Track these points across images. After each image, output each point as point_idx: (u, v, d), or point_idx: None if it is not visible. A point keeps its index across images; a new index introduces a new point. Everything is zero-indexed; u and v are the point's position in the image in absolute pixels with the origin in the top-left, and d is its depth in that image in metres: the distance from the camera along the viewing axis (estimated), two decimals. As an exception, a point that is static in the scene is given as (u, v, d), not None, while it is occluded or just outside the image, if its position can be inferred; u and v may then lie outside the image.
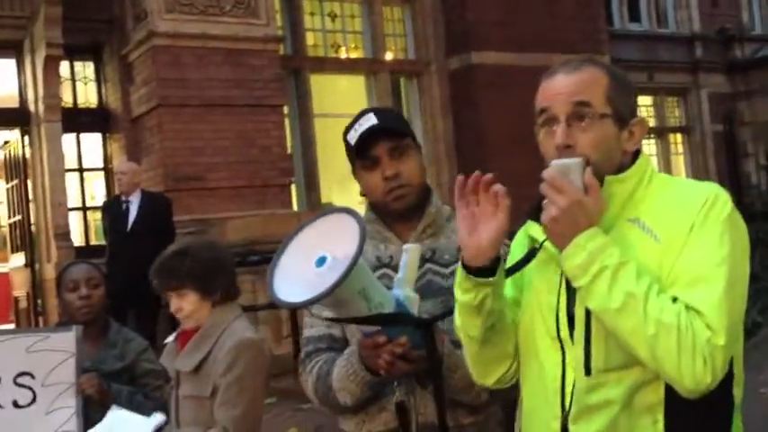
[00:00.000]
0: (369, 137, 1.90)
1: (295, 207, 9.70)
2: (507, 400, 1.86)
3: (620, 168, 1.51)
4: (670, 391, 1.39)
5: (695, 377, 1.32)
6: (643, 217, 1.46)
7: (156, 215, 6.68)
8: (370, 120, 1.92)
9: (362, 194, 2.01)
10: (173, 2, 8.64)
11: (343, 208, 1.66)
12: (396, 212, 1.95)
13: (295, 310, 5.31)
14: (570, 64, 1.54)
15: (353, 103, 10.78)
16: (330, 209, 1.70)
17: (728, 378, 1.43)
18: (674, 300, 1.36)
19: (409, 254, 1.76)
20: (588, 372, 1.44)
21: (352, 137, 1.93)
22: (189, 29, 8.66)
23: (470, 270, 1.50)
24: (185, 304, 2.54)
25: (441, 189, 11.06)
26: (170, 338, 2.69)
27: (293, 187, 9.79)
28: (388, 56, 11.19)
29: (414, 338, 1.69)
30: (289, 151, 9.68)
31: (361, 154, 1.93)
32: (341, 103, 10.69)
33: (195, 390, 2.54)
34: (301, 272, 1.58)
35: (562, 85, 1.50)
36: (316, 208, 9.78)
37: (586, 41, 10.93)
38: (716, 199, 1.43)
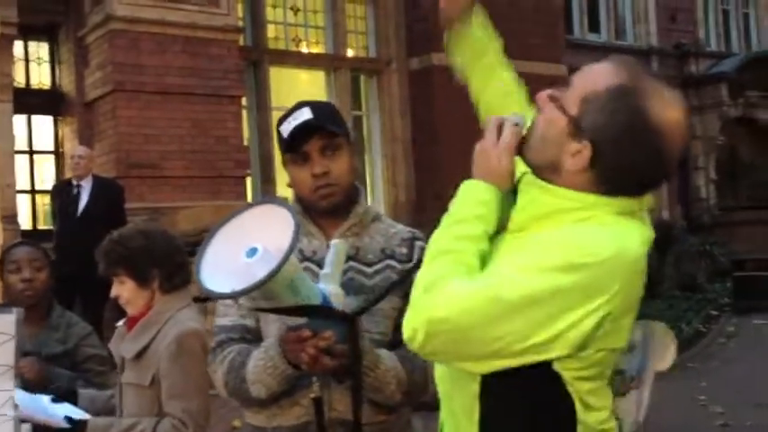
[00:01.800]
0: (301, 132, 1.88)
1: (249, 199, 9.63)
2: (419, 402, 1.90)
3: (554, 174, 1.40)
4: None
5: (406, 328, 1.36)
6: (533, 231, 1.39)
7: (107, 201, 6.57)
8: (305, 114, 1.89)
9: (289, 186, 2.00)
10: (132, -14, 8.52)
11: (275, 198, 1.64)
12: (322, 210, 1.94)
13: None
14: (617, 57, 1.44)
15: (312, 97, 10.71)
16: (262, 199, 1.68)
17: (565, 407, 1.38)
18: (449, 274, 1.36)
19: (336, 249, 1.75)
20: None
21: (285, 129, 1.90)
22: (148, 14, 8.55)
23: None
24: (123, 291, 2.54)
25: (396, 188, 11.10)
26: (120, 323, 2.66)
27: (248, 179, 9.72)
28: (349, 52, 11.18)
29: (338, 333, 1.67)
30: (245, 143, 9.61)
31: (291, 148, 1.91)
32: (300, 97, 10.52)
33: (136, 377, 2.52)
34: (231, 261, 1.55)
35: (588, 66, 1.44)
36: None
37: (545, 48, 11.07)
38: (593, 249, 1.32)
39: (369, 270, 1.93)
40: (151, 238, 2.59)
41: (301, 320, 1.69)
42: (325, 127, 1.90)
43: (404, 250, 1.97)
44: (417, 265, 1.84)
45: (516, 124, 1.45)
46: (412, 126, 11.17)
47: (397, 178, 11.12)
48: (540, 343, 1.30)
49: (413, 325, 1.33)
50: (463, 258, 1.37)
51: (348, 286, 1.85)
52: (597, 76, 1.37)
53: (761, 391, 7.28)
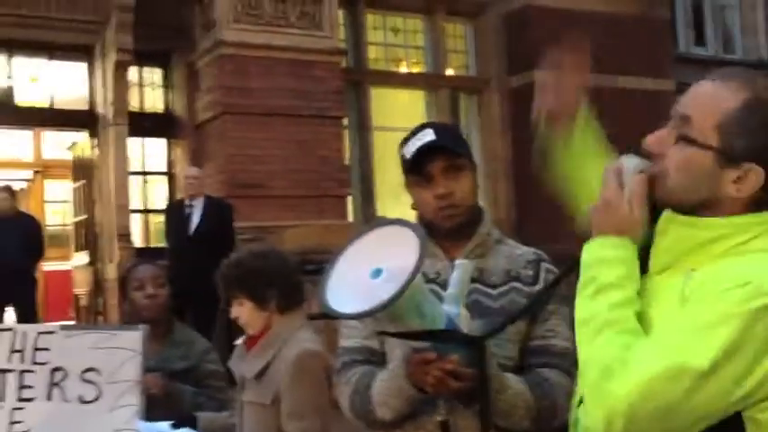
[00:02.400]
0: (424, 153, 1.89)
1: (350, 218, 9.75)
2: (548, 429, 1.85)
3: (712, 206, 1.31)
4: None
5: (593, 424, 1.24)
6: (700, 270, 1.27)
7: (218, 220, 6.79)
8: (428, 135, 1.90)
9: (414, 208, 2.01)
10: (240, 12, 8.81)
11: (400, 220, 1.63)
12: (445, 231, 1.94)
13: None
14: (718, 73, 1.36)
15: (412, 117, 10.81)
16: (387, 220, 1.67)
17: None
18: (627, 347, 1.25)
19: (461, 270, 1.74)
20: None
21: (408, 151, 1.91)
22: (255, 39, 8.81)
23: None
24: (242, 313, 2.60)
25: (497, 206, 11.01)
26: (239, 341, 2.73)
27: (349, 198, 9.85)
28: (449, 71, 11.20)
29: (464, 355, 1.66)
30: (346, 162, 9.75)
31: (415, 169, 1.92)
32: (400, 116, 10.73)
33: (257, 396, 2.58)
34: (355, 283, 1.55)
35: (690, 92, 1.35)
36: (370, 220, 9.82)
37: (651, 64, 10.81)
38: (756, 292, 1.19)
39: (493, 292, 1.92)
40: (266, 259, 2.65)
41: (426, 343, 1.68)
42: (448, 147, 1.91)
43: (529, 272, 1.95)
44: (546, 289, 1.82)
45: (641, 171, 1.36)
46: (512, 144, 11.09)
47: (498, 197, 11.04)
48: (744, 396, 1.20)
49: (605, 415, 1.22)
50: (626, 326, 1.28)
51: (472, 308, 1.84)
52: (721, 98, 1.29)
53: None
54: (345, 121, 9.79)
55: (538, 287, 1.93)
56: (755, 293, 1.18)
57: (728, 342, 1.17)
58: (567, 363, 1.86)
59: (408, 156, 1.91)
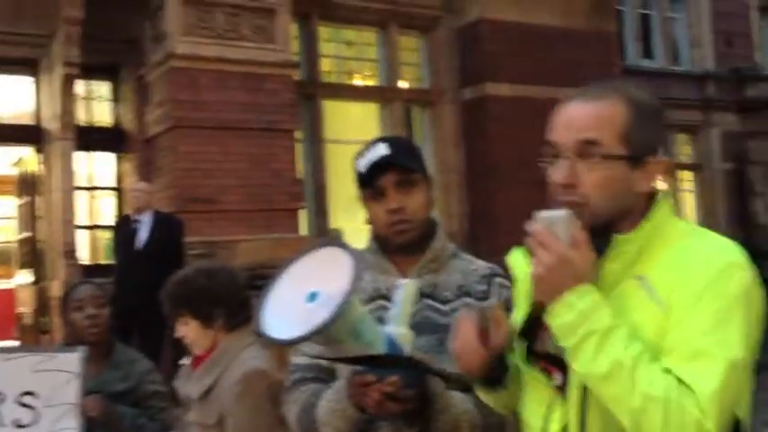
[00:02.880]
0: (377, 168, 1.88)
1: (303, 232, 9.69)
2: None
3: (629, 210, 1.39)
4: None
5: None
6: (650, 275, 1.34)
7: (166, 236, 6.67)
8: (381, 149, 1.90)
9: (368, 222, 1.99)
10: (191, 24, 8.72)
11: (337, 242, 1.63)
12: (397, 246, 1.93)
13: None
14: (588, 93, 1.42)
15: (366, 130, 10.82)
16: (323, 242, 1.66)
17: None
18: (667, 371, 1.26)
19: (404, 290, 1.73)
20: None
21: (362, 165, 1.91)
22: (207, 52, 8.72)
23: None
24: (187, 332, 2.55)
25: (450, 219, 11.05)
26: (185, 360, 2.68)
27: (302, 212, 9.79)
28: (402, 84, 11.24)
29: (405, 377, 1.64)
30: (299, 176, 9.70)
31: (367, 183, 1.91)
32: (353, 129, 10.73)
33: (201, 416, 2.53)
34: (291, 307, 1.53)
35: (572, 117, 1.39)
36: (324, 233, 9.78)
37: (599, 75, 10.94)
38: (736, 269, 1.31)
39: (444, 308, 1.90)
40: (213, 276, 2.60)
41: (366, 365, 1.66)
42: (400, 162, 1.90)
43: (482, 287, 1.94)
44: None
45: (572, 218, 1.35)
46: (465, 157, 11.15)
47: (452, 209, 11.07)
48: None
49: None
50: (648, 355, 1.27)
51: (423, 324, 1.84)
52: (614, 112, 1.38)
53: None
54: (298, 135, 9.75)
55: (490, 302, 1.92)
56: (736, 272, 1.30)
57: (744, 321, 1.28)
58: None
59: (361, 170, 1.91)
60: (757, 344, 1.33)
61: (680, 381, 1.25)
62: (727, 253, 1.34)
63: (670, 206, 1.44)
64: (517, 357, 1.49)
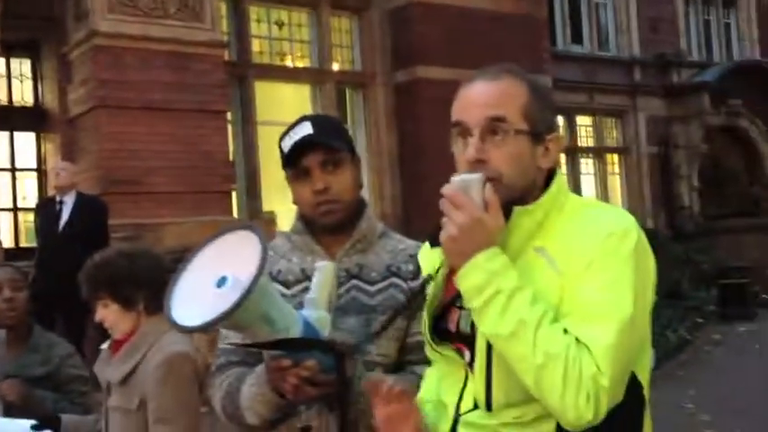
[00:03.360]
0: (301, 147, 1.84)
1: (235, 214, 9.60)
2: None
3: (533, 185, 1.46)
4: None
5: (577, 411, 1.28)
6: (548, 246, 1.40)
7: (90, 218, 6.48)
8: (306, 128, 1.85)
9: (294, 203, 1.96)
10: (115, 2, 8.49)
11: (246, 225, 1.58)
12: (324, 227, 1.90)
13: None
14: (489, 72, 1.48)
15: (298, 111, 10.68)
16: (233, 225, 1.61)
17: (638, 407, 1.42)
18: (566, 331, 1.31)
19: (322, 272, 1.71)
20: (489, 407, 1.40)
21: (286, 144, 1.87)
22: (131, 30, 8.52)
23: None
24: (107, 315, 2.50)
25: (383, 201, 11.09)
26: (105, 345, 2.62)
27: (234, 194, 9.69)
28: (335, 66, 11.19)
29: (324, 361, 1.62)
30: (231, 158, 9.59)
31: (292, 164, 1.87)
32: (285, 111, 10.63)
33: (122, 401, 2.48)
34: (201, 292, 1.50)
35: (478, 96, 1.45)
36: (256, 216, 9.70)
37: (529, 60, 11.10)
38: (622, 233, 1.37)
39: (371, 289, 1.88)
40: (134, 259, 2.55)
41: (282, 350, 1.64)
42: (325, 142, 1.86)
43: (410, 267, 1.91)
44: (408, 302, 1.77)
45: (485, 181, 1.38)
46: (398, 139, 11.18)
47: (384, 191, 11.11)
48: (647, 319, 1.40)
49: (589, 397, 1.28)
50: (551, 315, 1.33)
51: (350, 305, 1.83)
52: (514, 91, 1.45)
53: (747, 399, 7.31)
54: (230, 116, 9.62)
55: (418, 281, 1.92)
56: (624, 235, 1.37)
57: (634, 281, 1.35)
58: None
59: (286, 150, 1.86)
60: (650, 304, 1.41)
61: (578, 340, 1.30)
62: (617, 220, 1.40)
63: (564, 181, 1.50)
64: (427, 342, 1.52)
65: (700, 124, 16.36)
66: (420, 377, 1.82)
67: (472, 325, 1.42)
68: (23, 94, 9.43)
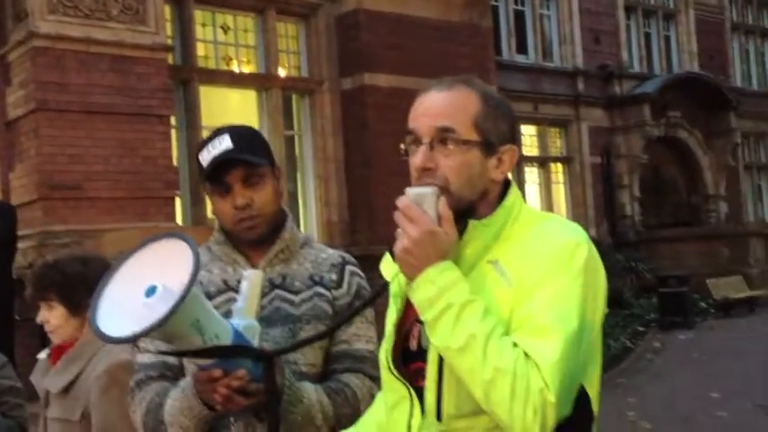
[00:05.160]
0: (222, 163, 1.81)
1: (179, 221, 9.45)
2: None
3: (484, 195, 1.47)
4: None
5: (525, 425, 1.29)
6: (501, 258, 1.42)
7: None
8: (225, 142, 1.82)
9: (214, 214, 1.93)
10: (56, 3, 8.29)
11: (175, 233, 1.55)
12: (246, 241, 1.89)
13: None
14: (443, 83, 1.50)
15: (244, 117, 10.63)
16: (162, 234, 1.57)
17: (587, 420, 1.42)
18: (516, 345, 1.33)
19: (249, 281, 1.68)
20: (439, 417, 1.40)
21: (205, 158, 1.83)
22: (72, 32, 8.32)
23: None
24: (52, 317, 2.44)
25: (329, 208, 11.05)
26: (42, 354, 2.54)
27: (178, 200, 9.53)
28: (281, 72, 11.12)
29: (253, 370, 1.60)
30: (174, 163, 9.44)
31: (212, 179, 1.84)
32: (231, 116, 10.53)
33: (63, 412, 2.41)
34: (129, 302, 1.46)
35: (429, 106, 1.46)
36: (201, 222, 9.57)
37: (475, 69, 11.20)
38: (573, 247, 1.39)
39: (296, 299, 1.87)
40: (88, 263, 2.51)
41: (212, 360, 1.60)
42: (245, 159, 1.83)
43: (333, 276, 1.93)
44: (351, 315, 1.78)
45: (439, 194, 1.40)
46: (344, 146, 11.16)
47: (330, 198, 11.07)
48: (596, 330, 1.42)
49: (536, 410, 1.28)
50: (501, 329, 1.34)
51: (274, 315, 1.80)
52: (466, 102, 1.46)
53: (688, 407, 7.45)
54: (173, 121, 9.47)
55: (341, 290, 1.91)
56: (575, 249, 1.38)
57: (582, 295, 1.36)
58: (370, 366, 1.84)
59: (205, 164, 1.83)
60: (600, 318, 1.42)
61: (526, 354, 1.31)
62: (568, 233, 1.42)
63: (519, 194, 1.53)
64: (386, 362, 1.51)
65: (641, 135, 16.72)
66: (346, 385, 1.82)
67: None
68: (-42, 96, 9.13)
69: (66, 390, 2.40)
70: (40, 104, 8.15)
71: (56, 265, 2.46)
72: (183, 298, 1.41)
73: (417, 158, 1.44)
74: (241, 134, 1.89)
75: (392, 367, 1.48)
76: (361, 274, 1.98)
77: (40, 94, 8.16)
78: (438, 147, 1.44)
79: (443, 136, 1.44)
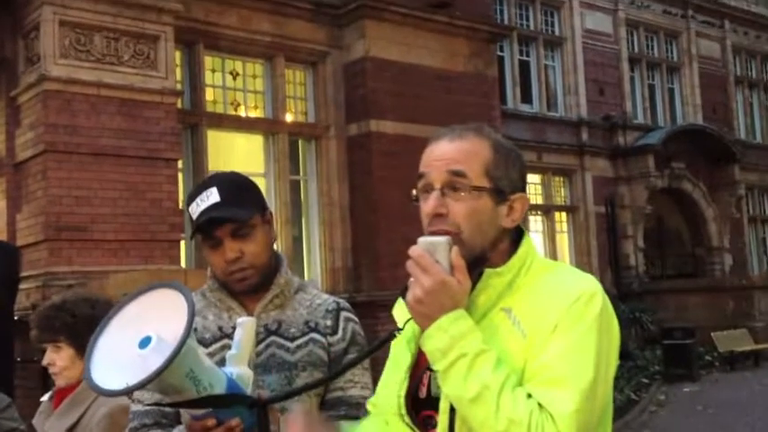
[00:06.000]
0: (210, 221, 1.81)
1: (183, 264, 9.45)
2: None
3: (496, 244, 1.47)
4: None
5: None
6: (515, 307, 1.42)
7: (1, 263, 6.20)
8: (213, 196, 1.82)
9: (207, 261, 1.93)
10: (68, 47, 8.42)
11: (171, 282, 1.54)
12: (239, 291, 1.89)
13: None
14: (455, 131, 1.51)
15: (251, 161, 10.72)
16: (157, 283, 1.56)
17: None
18: (530, 396, 1.32)
19: (244, 328, 1.68)
20: None
21: (194, 211, 1.84)
22: (83, 75, 8.44)
23: None
24: (58, 359, 2.44)
25: (333, 254, 11.05)
26: (45, 397, 2.53)
27: (182, 244, 9.55)
28: (288, 117, 11.22)
29: (247, 419, 1.58)
30: (180, 206, 9.48)
31: (202, 232, 1.84)
32: (238, 161, 10.61)
33: None
34: (124, 353, 1.44)
35: (441, 152, 1.47)
36: (205, 265, 9.55)
37: (480, 117, 11.31)
38: (588, 298, 1.38)
39: (291, 345, 1.87)
40: (96, 307, 2.51)
41: (207, 409, 1.58)
42: (234, 216, 1.82)
43: (328, 322, 1.92)
44: (350, 364, 1.75)
45: (451, 244, 1.40)
46: (349, 191, 11.21)
47: (335, 243, 11.08)
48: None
49: None
50: (514, 379, 1.34)
51: (270, 362, 1.80)
52: (477, 149, 1.48)
53: (692, 460, 7.34)
54: (181, 164, 9.53)
55: (337, 336, 1.91)
56: (590, 300, 1.38)
57: (597, 346, 1.35)
58: (365, 413, 1.83)
59: (194, 218, 1.83)
60: (614, 369, 1.41)
61: (541, 405, 1.30)
62: (582, 284, 1.42)
63: (533, 243, 1.53)
64: (399, 407, 1.49)
65: (645, 185, 16.77)
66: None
67: None
68: (-31, 137, 9.21)
69: (67, 433, 2.39)
70: (48, 146, 8.22)
71: (65, 307, 2.46)
72: (177, 351, 1.40)
73: (429, 204, 1.45)
74: (229, 185, 1.88)
75: (404, 414, 1.47)
76: (356, 319, 1.98)
77: (50, 137, 8.24)
78: (449, 193, 1.44)
79: (455, 182, 1.45)
